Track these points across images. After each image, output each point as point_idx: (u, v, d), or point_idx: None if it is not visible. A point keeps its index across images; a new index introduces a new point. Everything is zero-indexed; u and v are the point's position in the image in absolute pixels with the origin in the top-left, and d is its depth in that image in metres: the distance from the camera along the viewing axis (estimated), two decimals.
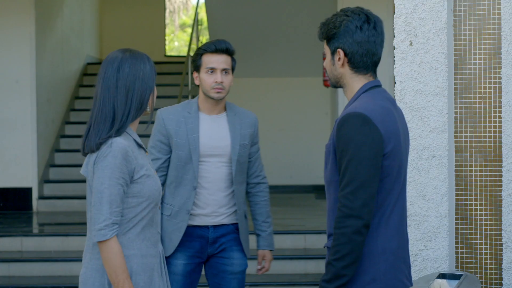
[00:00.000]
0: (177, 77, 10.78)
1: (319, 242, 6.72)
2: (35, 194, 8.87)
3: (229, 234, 3.69)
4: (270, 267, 3.85)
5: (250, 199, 3.84)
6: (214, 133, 3.66)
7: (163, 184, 3.69)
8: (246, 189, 3.80)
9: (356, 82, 2.60)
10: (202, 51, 3.66)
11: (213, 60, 3.62)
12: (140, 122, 2.82)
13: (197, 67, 3.68)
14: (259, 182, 3.83)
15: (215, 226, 3.66)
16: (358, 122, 2.45)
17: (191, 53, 10.49)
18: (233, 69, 3.70)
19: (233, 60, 3.70)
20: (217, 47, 3.63)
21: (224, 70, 3.63)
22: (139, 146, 2.75)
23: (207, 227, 3.65)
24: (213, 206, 3.64)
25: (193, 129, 3.62)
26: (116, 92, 2.68)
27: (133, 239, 2.67)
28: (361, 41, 2.56)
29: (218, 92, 3.61)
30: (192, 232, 3.64)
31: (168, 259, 3.64)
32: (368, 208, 2.42)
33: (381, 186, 2.48)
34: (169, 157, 3.67)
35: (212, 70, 3.62)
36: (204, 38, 14.16)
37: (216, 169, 3.64)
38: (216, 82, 3.60)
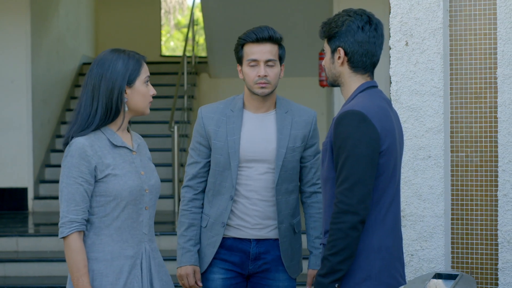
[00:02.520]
0: (173, 77, 10.76)
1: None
2: (30, 194, 8.85)
3: (273, 251, 3.25)
4: None
5: (304, 210, 3.34)
6: (258, 135, 3.20)
7: (203, 191, 3.29)
8: (300, 198, 3.31)
9: (353, 81, 2.64)
10: (242, 41, 3.19)
11: (255, 51, 3.16)
12: (134, 122, 2.81)
13: (239, 59, 3.22)
14: (315, 191, 3.30)
15: (258, 240, 3.22)
16: (356, 120, 2.47)
17: (187, 54, 10.48)
18: (281, 58, 3.21)
19: (280, 48, 3.21)
20: (258, 35, 3.15)
21: (269, 62, 3.16)
22: (116, 146, 2.71)
23: (249, 240, 3.22)
24: (255, 218, 3.20)
25: (234, 130, 3.18)
26: (84, 92, 2.68)
27: (105, 241, 2.67)
28: (362, 41, 2.59)
29: (262, 87, 3.16)
30: (232, 245, 3.23)
31: (204, 274, 3.26)
32: (364, 204, 2.45)
33: (376, 185, 2.51)
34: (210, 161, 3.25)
35: (255, 62, 3.17)
36: (201, 38, 14.14)
37: (259, 175, 3.19)
38: (259, 76, 3.15)
